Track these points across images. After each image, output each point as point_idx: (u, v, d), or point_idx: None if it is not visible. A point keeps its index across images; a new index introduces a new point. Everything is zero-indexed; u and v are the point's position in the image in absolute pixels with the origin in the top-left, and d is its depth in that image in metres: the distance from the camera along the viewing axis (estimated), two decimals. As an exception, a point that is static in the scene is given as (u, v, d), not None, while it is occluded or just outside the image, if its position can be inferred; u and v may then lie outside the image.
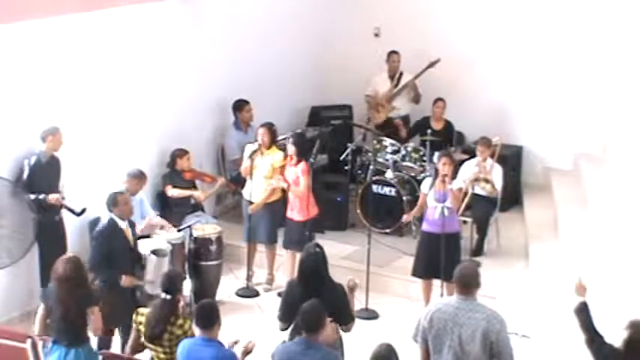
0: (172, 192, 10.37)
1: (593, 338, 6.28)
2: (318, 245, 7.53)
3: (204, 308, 6.58)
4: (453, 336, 6.33)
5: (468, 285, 6.39)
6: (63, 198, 9.07)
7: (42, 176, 9.00)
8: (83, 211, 9.14)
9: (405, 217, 10.06)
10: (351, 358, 7.68)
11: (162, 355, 6.81)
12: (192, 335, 6.65)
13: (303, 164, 9.87)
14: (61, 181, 9.21)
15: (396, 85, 12.22)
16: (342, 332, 7.28)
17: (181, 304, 6.97)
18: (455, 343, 6.32)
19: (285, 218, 10.13)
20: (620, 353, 6.11)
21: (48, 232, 8.99)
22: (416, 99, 12.24)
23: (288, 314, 7.19)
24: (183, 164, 10.53)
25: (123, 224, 8.30)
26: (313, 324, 6.35)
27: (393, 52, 12.21)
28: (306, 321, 6.38)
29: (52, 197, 8.98)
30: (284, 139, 10.65)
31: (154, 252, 9.06)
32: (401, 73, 12.22)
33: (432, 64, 11.92)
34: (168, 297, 6.83)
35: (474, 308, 6.34)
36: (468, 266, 6.63)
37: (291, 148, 9.83)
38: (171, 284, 6.92)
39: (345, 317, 7.18)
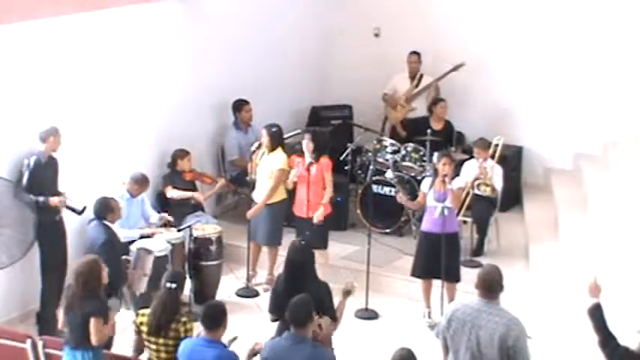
0: (172, 193, 10.35)
1: (607, 340, 6.20)
2: (304, 240, 7.60)
3: (213, 309, 6.59)
4: (471, 337, 6.31)
5: (491, 288, 6.35)
6: (64, 199, 9.07)
7: (42, 177, 8.99)
8: (84, 209, 9.14)
9: (399, 197, 9.92)
10: (351, 359, 7.69)
11: (163, 355, 6.81)
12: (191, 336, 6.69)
13: (327, 160, 9.89)
14: (64, 187, 9.19)
15: (417, 86, 12.20)
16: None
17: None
18: (473, 344, 6.30)
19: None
20: (636, 355, 6.07)
21: (48, 232, 8.98)
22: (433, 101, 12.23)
23: (274, 306, 7.34)
24: (184, 165, 10.52)
25: (115, 227, 8.33)
26: (301, 318, 6.40)
27: (413, 52, 12.17)
28: (293, 315, 6.42)
29: (54, 200, 8.97)
30: (290, 136, 10.60)
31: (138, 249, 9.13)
32: (421, 75, 12.19)
33: (455, 68, 11.92)
34: (174, 286, 6.85)
35: (495, 312, 6.30)
36: (491, 269, 6.52)
37: (309, 145, 9.75)
38: (175, 277, 6.96)
39: (326, 314, 7.15)
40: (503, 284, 6.42)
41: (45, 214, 8.97)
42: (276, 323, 7.36)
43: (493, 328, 6.25)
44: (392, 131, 12.31)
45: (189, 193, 10.39)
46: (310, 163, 9.78)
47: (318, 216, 9.76)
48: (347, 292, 7.42)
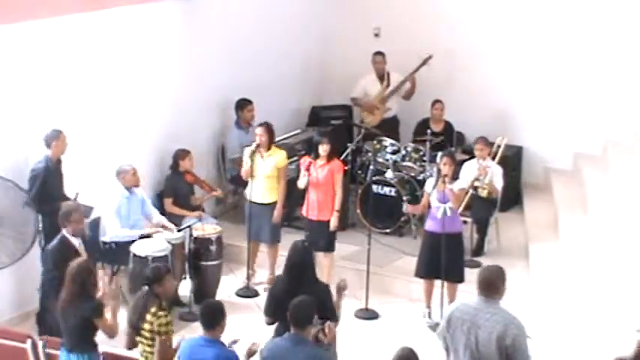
0: (171, 209, 10.33)
1: None
2: (305, 241, 7.61)
3: (209, 308, 6.59)
4: (470, 336, 6.30)
5: (490, 287, 6.32)
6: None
7: (52, 181, 8.95)
8: (91, 210, 9.20)
9: (406, 207, 9.94)
10: (351, 359, 7.69)
11: (147, 348, 6.85)
12: (165, 332, 6.71)
13: (339, 162, 9.85)
14: (76, 191, 9.16)
15: (388, 86, 12.21)
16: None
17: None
18: (472, 343, 6.29)
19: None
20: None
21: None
22: (408, 94, 12.21)
23: (271, 308, 7.32)
24: (186, 165, 10.49)
25: (75, 242, 8.18)
26: (302, 319, 6.39)
27: (377, 52, 12.21)
28: (294, 316, 6.42)
29: None
30: (287, 137, 10.58)
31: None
32: (388, 73, 12.20)
33: (425, 62, 11.93)
34: (145, 289, 6.91)
35: (494, 311, 6.28)
36: (492, 269, 6.49)
37: (324, 147, 9.68)
38: (152, 275, 6.95)
39: (328, 316, 7.15)
40: (504, 286, 6.37)
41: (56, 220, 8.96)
42: (271, 326, 7.34)
43: (491, 327, 6.24)
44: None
45: (185, 211, 10.30)
46: (309, 163, 9.74)
47: (334, 224, 9.75)
48: (340, 289, 7.43)
